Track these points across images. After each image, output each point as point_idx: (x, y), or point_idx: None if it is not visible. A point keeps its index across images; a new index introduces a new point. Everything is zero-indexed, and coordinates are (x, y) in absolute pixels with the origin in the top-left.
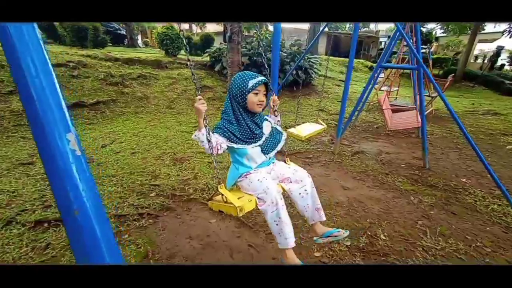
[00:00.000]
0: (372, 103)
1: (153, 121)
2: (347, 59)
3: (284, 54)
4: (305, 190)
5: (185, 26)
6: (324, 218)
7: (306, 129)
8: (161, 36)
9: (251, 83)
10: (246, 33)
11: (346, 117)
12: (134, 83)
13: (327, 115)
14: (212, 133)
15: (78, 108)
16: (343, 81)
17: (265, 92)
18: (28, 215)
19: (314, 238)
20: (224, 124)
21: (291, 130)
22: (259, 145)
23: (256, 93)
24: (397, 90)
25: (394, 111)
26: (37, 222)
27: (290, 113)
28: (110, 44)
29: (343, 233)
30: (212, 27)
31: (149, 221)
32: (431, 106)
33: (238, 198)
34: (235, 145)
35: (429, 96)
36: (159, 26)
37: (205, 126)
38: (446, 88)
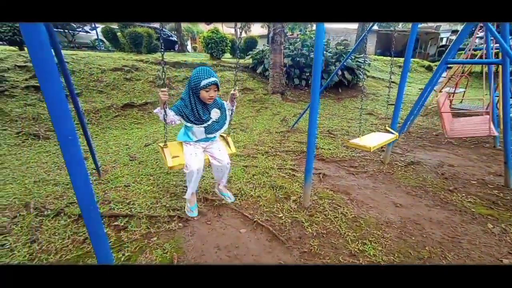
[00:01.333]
0: (430, 107)
1: None
2: (399, 58)
3: (329, 54)
4: (220, 167)
5: (231, 30)
6: (223, 185)
7: (373, 139)
8: (207, 40)
9: (203, 82)
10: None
11: (400, 123)
12: (179, 85)
13: (376, 119)
14: (170, 109)
15: (129, 108)
16: (394, 82)
17: (216, 89)
18: (74, 207)
19: (215, 190)
20: (180, 105)
21: (355, 141)
22: (203, 127)
23: (207, 90)
24: (464, 91)
25: (457, 115)
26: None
27: (335, 116)
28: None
29: (229, 199)
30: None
31: (178, 224)
32: None
33: (173, 157)
34: (186, 123)
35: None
36: (205, 31)
37: (164, 109)
38: None
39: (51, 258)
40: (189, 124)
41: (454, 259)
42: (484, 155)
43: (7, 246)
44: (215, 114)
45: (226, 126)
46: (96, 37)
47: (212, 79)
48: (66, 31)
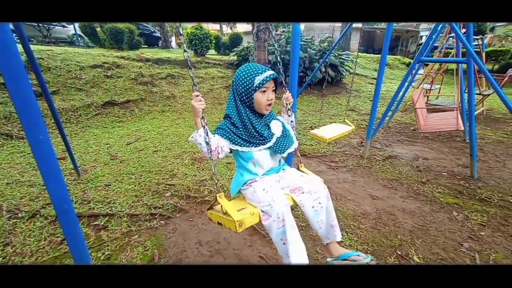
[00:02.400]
0: (409, 103)
1: (178, 120)
2: (380, 55)
3: (313, 51)
4: (319, 203)
5: (216, 26)
6: (340, 238)
7: (331, 131)
8: (190, 36)
9: (257, 79)
10: (274, 31)
11: (379, 118)
12: (162, 83)
13: (358, 115)
14: (213, 134)
15: (110, 107)
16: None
17: (274, 88)
18: (51, 209)
19: (328, 259)
20: (227, 124)
21: (314, 131)
22: (268, 148)
23: (264, 91)
24: (440, 88)
25: (431, 111)
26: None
27: (317, 112)
28: (146, 46)
29: (363, 258)
30: (242, 27)
31: (160, 222)
32: (482, 106)
33: (239, 210)
34: (239, 148)
35: (479, 94)
36: (189, 27)
37: (203, 127)
38: (504, 84)
39: (26, 260)
40: (244, 149)
41: (421, 245)
42: (455, 148)
43: None
44: (277, 127)
45: (296, 143)
46: (73, 32)
47: (269, 72)
48: (40, 25)
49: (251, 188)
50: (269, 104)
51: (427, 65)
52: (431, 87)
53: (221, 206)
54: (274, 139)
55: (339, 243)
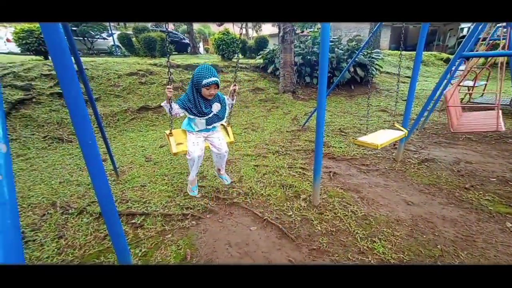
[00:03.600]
0: None
1: None
2: (414, 52)
3: (341, 51)
4: (219, 155)
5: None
6: (223, 171)
7: (381, 137)
8: (217, 42)
9: (204, 81)
10: (300, 32)
11: (413, 119)
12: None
13: (390, 116)
14: (175, 102)
15: (144, 111)
16: (409, 77)
17: (216, 87)
18: (96, 206)
19: (216, 173)
20: (184, 99)
21: (362, 139)
22: (204, 119)
23: (208, 88)
24: (485, 84)
25: (470, 109)
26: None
27: (346, 113)
28: (176, 53)
29: (226, 181)
30: (267, 30)
31: (192, 222)
32: None
33: (178, 144)
34: (189, 115)
35: None
36: (216, 32)
37: (170, 104)
38: None
39: (76, 252)
40: (192, 116)
41: (467, 258)
42: (506, 151)
43: (37, 241)
44: (216, 107)
45: (225, 119)
46: (112, 43)
47: (213, 79)
48: (85, 38)
49: (188, 135)
50: (211, 95)
51: (468, 60)
52: (474, 84)
53: (168, 138)
54: (211, 115)
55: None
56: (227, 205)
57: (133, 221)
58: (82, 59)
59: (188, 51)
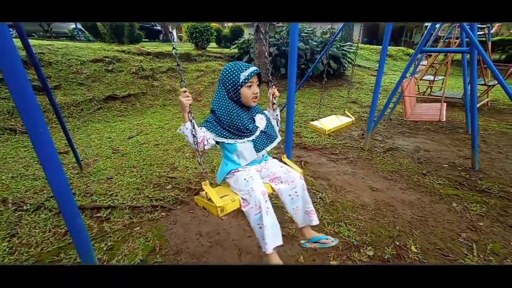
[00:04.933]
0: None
1: (179, 114)
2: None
3: (315, 43)
4: (296, 192)
5: None
6: (316, 223)
7: (331, 122)
8: (191, 29)
9: (243, 75)
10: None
11: (380, 110)
12: (163, 76)
13: (360, 107)
14: (200, 127)
15: (111, 101)
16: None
17: (258, 83)
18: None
19: (301, 241)
20: (214, 118)
21: (314, 123)
22: (251, 140)
23: (250, 86)
24: (444, 79)
25: (424, 101)
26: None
27: (318, 105)
28: (147, 40)
29: (332, 241)
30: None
31: (161, 214)
32: (487, 97)
33: (221, 197)
34: (224, 140)
35: (484, 84)
36: None
37: (190, 120)
38: (509, 75)
39: (32, 251)
40: (231, 141)
41: (419, 236)
42: (457, 139)
43: None
44: (261, 121)
45: (279, 138)
46: (74, 26)
47: (253, 68)
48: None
49: (234, 177)
50: (255, 97)
51: (430, 55)
52: (434, 78)
53: (206, 192)
54: (257, 132)
55: (312, 228)
56: None
57: (98, 214)
58: (38, 42)
59: (160, 38)
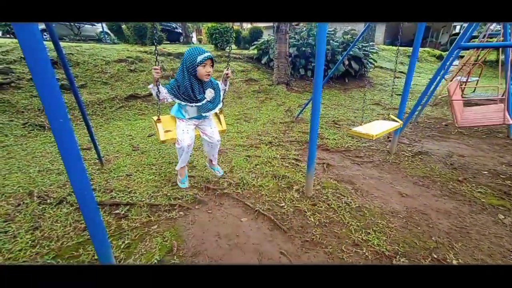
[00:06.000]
0: (440, 97)
1: None
2: (408, 48)
3: (336, 43)
4: (211, 144)
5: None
6: (215, 162)
7: (376, 127)
8: (211, 30)
9: (199, 58)
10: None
11: (407, 113)
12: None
13: (383, 109)
14: (164, 86)
15: (133, 100)
16: (403, 73)
17: (211, 64)
18: None
19: (207, 164)
20: (174, 84)
21: (357, 129)
22: (197, 106)
23: (204, 66)
24: (477, 80)
25: (468, 105)
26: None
27: (340, 106)
28: (168, 42)
29: (219, 172)
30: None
31: (179, 213)
32: None
33: (166, 131)
34: (179, 101)
35: None
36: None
37: (157, 86)
38: None
39: (53, 244)
40: (183, 103)
41: (462, 250)
42: (497, 145)
43: (10, 233)
44: (209, 94)
45: (220, 106)
46: (101, 29)
47: (207, 54)
48: (72, 24)
49: (178, 122)
50: (208, 75)
51: (462, 57)
52: (467, 80)
53: (156, 126)
54: (204, 102)
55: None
56: (217, 195)
57: (117, 211)
58: (68, 44)
59: (181, 40)
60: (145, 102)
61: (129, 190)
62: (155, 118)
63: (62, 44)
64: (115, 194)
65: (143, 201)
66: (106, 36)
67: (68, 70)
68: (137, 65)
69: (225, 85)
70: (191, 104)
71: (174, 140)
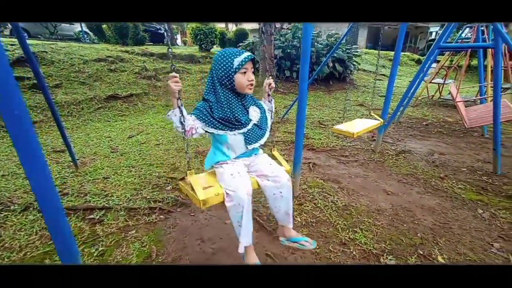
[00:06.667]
0: (421, 98)
1: None
2: (389, 52)
3: (320, 45)
4: (281, 192)
5: (221, 24)
6: (291, 226)
7: (357, 125)
8: (195, 31)
9: (236, 61)
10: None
11: (389, 113)
12: (167, 77)
13: (367, 110)
14: (190, 114)
15: (113, 101)
16: (385, 75)
17: (253, 70)
18: None
19: (281, 239)
20: (205, 106)
21: (339, 126)
22: (242, 133)
23: (244, 72)
24: (452, 82)
25: (464, 105)
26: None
27: (325, 107)
28: (151, 44)
29: (310, 244)
30: (248, 24)
31: (160, 216)
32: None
33: (205, 188)
34: (214, 131)
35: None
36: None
37: (179, 107)
38: None
39: (14, 256)
40: (221, 133)
41: (445, 245)
42: (473, 143)
43: None
44: (254, 113)
45: (267, 134)
46: (80, 29)
47: (246, 54)
48: (47, 22)
49: (221, 168)
50: (251, 84)
51: (438, 61)
52: (444, 82)
53: (190, 183)
54: (250, 126)
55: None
56: None
57: (91, 216)
58: (42, 42)
59: (164, 42)
60: (126, 103)
61: (105, 194)
62: (190, 174)
63: (35, 42)
64: (90, 198)
65: (120, 204)
66: (85, 35)
67: (36, 67)
68: (117, 65)
69: (270, 102)
70: (232, 133)
71: (221, 196)
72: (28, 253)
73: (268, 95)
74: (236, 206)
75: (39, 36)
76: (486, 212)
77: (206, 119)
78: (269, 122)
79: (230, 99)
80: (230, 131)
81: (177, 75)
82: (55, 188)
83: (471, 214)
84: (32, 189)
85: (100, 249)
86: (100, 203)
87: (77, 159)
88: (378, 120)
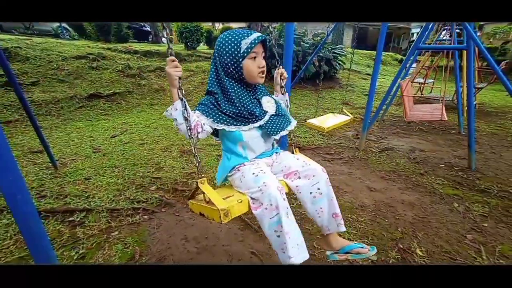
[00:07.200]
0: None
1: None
2: (374, 51)
3: (306, 45)
4: (318, 188)
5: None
6: (344, 229)
7: (329, 120)
8: (180, 29)
9: (244, 43)
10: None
11: (373, 112)
12: (151, 75)
13: (352, 108)
14: (193, 111)
15: (95, 99)
16: (370, 75)
17: (264, 54)
18: None
19: (328, 253)
20: (210, 100)
21: (312, 121)
22: (258, 127)
23: (254, 57)
24: (433, 82)
25: (419, 102)
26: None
27: (312, 106)
28: (135, 41)
29: (368, 250)
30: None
31: (143, 217)
32: (474, 100)
33: (224, 198)
34: (225, 127)
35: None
36: None
37: (181, 99)
38: (495, 80)
39: None
40: (233, 128)
41: (423, 238)
42: (451, 140)
43: None
44: (269, 104)
45: (294, 123)
46: (58, 24)
47: (256, 34)
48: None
49: (239, 173)
50: (262, 71)
51: (419, 61)
52: (425, 81)
53: (204, 193)
54: (267, 117)
55: (340, 234)
56: (186, 197)
57: (71, 218)
58: (16, 37)
59: (149, 39)
60: (108, 102)
61: (86, 195)
62: (201, 182)
63: (7, 37)
64: (70, 200)
65: (102, 206)
66: (65, 31)
67: (4, 62)
68: (99, 63)
69: (283, 94)
70: (247, 127)
71: (244, 205)
72: (2, 259)
73: (281, 87)
74: (268, 210)
75: (13, 30)
76: (461, 206)
77: (214, 114)
78: (288, 111)
79: (238, 91)
80: (244, 125)
81: (176, 59)
82: (27, 189)
83: (448, 208)
84: (0, 189)
85: (81, 251)
86: (80, 205)
87: (57, 160)
88: (348, 116)
